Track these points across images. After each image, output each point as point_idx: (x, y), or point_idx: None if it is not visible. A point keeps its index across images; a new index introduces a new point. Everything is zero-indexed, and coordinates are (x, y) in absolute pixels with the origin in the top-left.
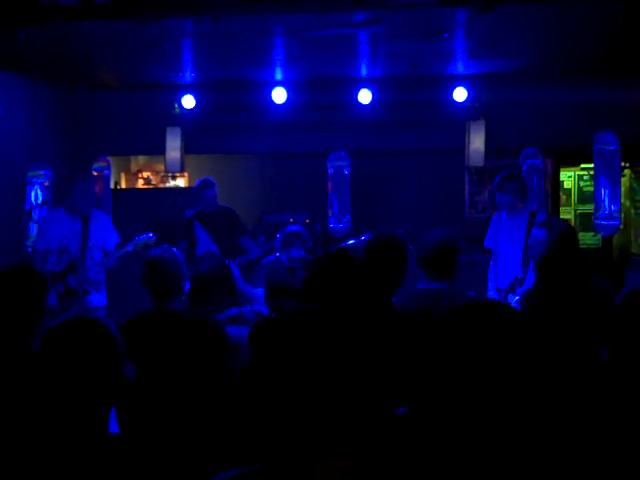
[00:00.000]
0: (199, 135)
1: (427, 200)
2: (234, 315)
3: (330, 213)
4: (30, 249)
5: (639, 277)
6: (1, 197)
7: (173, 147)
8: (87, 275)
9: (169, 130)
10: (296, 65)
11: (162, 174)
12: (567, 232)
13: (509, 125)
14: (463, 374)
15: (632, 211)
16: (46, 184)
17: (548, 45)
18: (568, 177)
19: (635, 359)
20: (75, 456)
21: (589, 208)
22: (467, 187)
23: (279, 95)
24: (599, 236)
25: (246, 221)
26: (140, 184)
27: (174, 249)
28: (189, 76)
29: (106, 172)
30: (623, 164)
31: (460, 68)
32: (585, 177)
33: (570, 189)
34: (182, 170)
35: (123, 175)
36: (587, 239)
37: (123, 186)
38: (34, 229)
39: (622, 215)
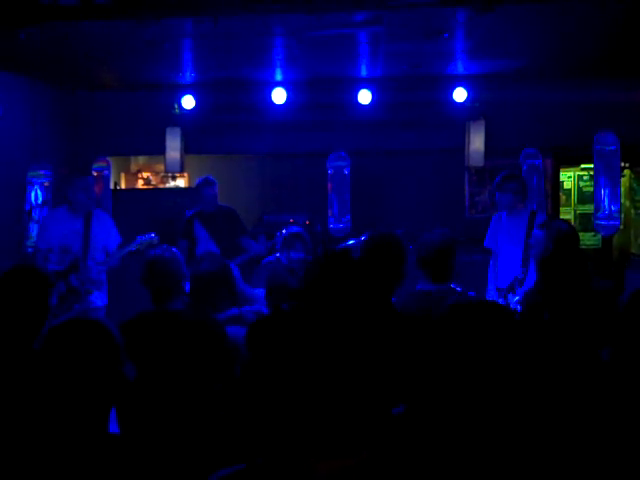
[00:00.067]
0: (199, 135)
1: (427, 200)
2: (234, 315)
3: (330, 213)
4: (30, 249)
5: (639, 277)
6: (1, 197)
7: (173, 147)
8: (89, 275)
9: (169, 130)
10: (296, 65)
11: (162, 174)
12: (568, 232)
13: (509, 125)
14: (460, 374)
15: (632, 211)
16: (46, 184)
17: (548, 45)
18: (568, 177)
19: (638, 359)
20: (75, 456)
21: (589, 208)
22: (467, 187)
23: (279, 95)
24: (599, 236)
25: (246, 221)
26: (140, 184)
27: (174, 249)
28: (189, 76)
29: (106, 172)
30: (623, 164)
31: (460, 68)
32: (585, 177)
33: (570, 189)
34: (182, 170)
35: (123, 175)
36: (587, 239)
37: (123, 186)
38: (34, 229)
39: (622, 215)
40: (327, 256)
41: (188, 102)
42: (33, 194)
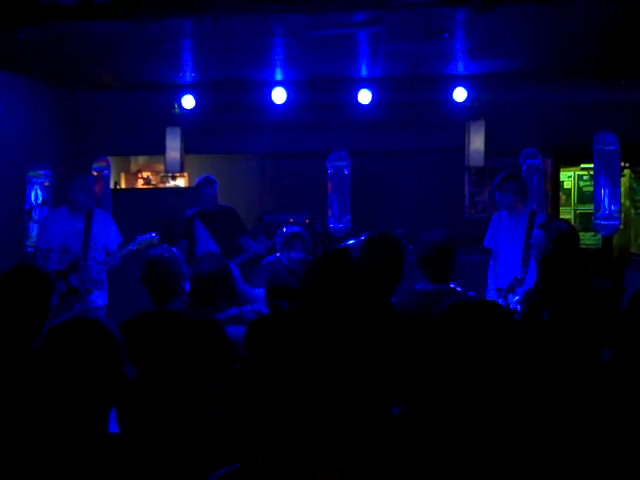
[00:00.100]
0: (199, 135)
1: (427, 200)
2: (234, 315)
3: (330, 213)
4: (30, 249)
5: (639, 277)
6: (1, 197)
7: (173, 147)
8: (89, 274)
9: (169, 130)
10: (296, 65)
11: (162, 174)
12: (568, 232)
13: (509, 125)
14: (458, 373)
15: (632, 211)
16: (46, 184)
17: (548, 45)
18: (568, 177)
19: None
20: (75, 456)
21: (589, 208)
22: (467, 187)
23: (279, 95)
24: (599, 236)
25: (246, 221)
26: (140, 184)
27: (174, 249)
28: (189, 76)
29: (106, 172)
30: (623, 164)
31: (460, 68)
32: (585, 177)
33: (570, 189)
34: (182, 170)
35: (123, 175)
36: (587, 239)
37: (123, 186)
38: (34, 229)
39: (622, 215)
40: (326, 256)
41: (188, 102)
42: (33, 194)
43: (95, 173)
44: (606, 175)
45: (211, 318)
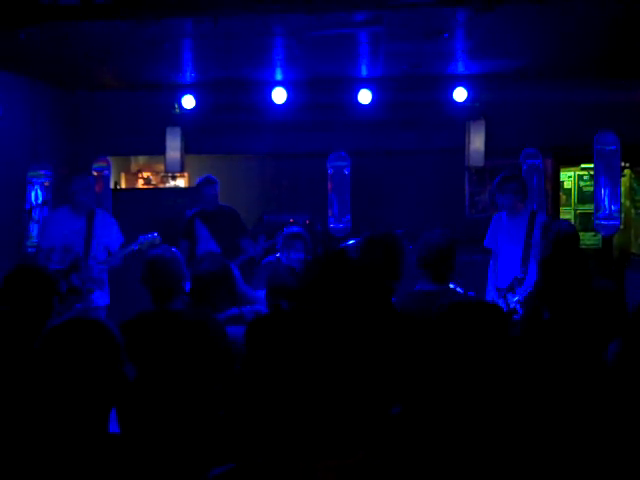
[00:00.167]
0: (199, 135)
1: (427, 200)
2: (234, 315)
3: (330, 213)
4: (30, 249)
5: (639, 277)
6: (1, 197)
7: (173, 147)
8: (90, 274)
9: (169, 130)
10: (296, 65)
11: (162, 174)
12: (569, 232)
13: (509, 125)
14: (456, 373)
15: (632, 211)
16: (46, 184)
17: (548, 45)
18: (568, 177)
19: None
20: (75, 456)
21: (589, 208)
22: (467, 187)
23: (279, 95)
24: (599, 236)
25: (246, 221)
26: (140, 184)
27: (174, 249)
28: (189, 76)
29: (106, 172)
30: (623, 164)
31: (460, 68)
32: (585, 177)
33: (570, 189)
34: (182, 170)
35: (123, 175)
36: (587, 239)
37: (123, 186)
38: (34, 229)
39: (622, 215)
40: (325, 256)
41: (188, 102)
42: (33, 194)
43: (95, 173)
44: (606, 175)
45: (211, 318)
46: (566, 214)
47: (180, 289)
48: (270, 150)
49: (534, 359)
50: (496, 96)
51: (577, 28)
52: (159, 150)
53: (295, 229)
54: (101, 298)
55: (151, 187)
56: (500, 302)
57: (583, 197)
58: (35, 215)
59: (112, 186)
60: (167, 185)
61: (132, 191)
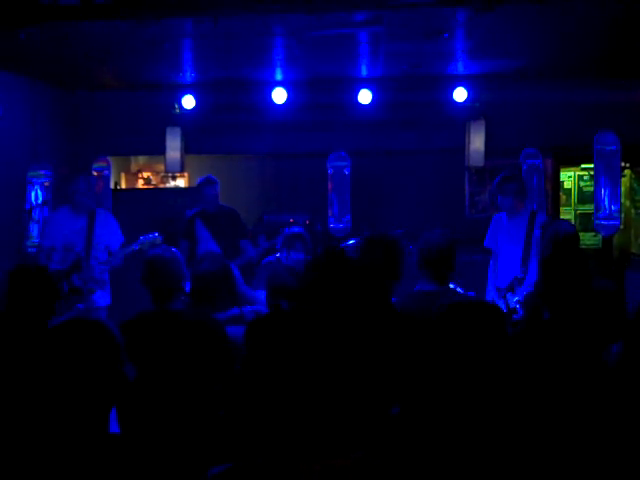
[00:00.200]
0: (199, 135)
1: (427, 200)
2: (235, 315)
3: (330, 213)
4: (30, 249)
5: (639, 277)
6: (1, 197)
7: (173, 147)
8: (91, 274)
9: (169, 130)
10: (296, 65)
11: (162, 174)
12: (569, 233)
13: (509, 125)
14: (454, 374)
15: (632, 211)
16: (46, 184)
17: (548, 45)
18: (568, 177)
19: None
20: (75, 456)
21: (589, 208)
22: (467, 187)
23: (279, 95)
24: (599, 236)
25: (246, 221)
26: (140, 184)
27: (174, 249)
28: (189, 76)
29: (106, 172)
30: (623, 164)
31: (460, 68)
32: (585, 177)
33: (570, 189)
34: (182, 170)
35: (123, 175)
36: (587, 239)
37: (123, 186)
38: (34, 229)
39: (622, 215)
40: (325, 256)
41: (188, 102)
42: (33, 194)
43: (95, 173)
44: (606, 175)
45: (211, 318)
46: (566, 214)
47: (180, 289)
48: (270, 150)
49: (534, 359)
50: (496, 96)
51: (577, 28)
52: (159, 150)
53: (295, 229)
54: (102, 298)
55: (151, 187)
56: (500, 302)
57: (583, 197)
58: (35, 215)
59: (112, 186)
60: (167, 185)
61: (132, 191)
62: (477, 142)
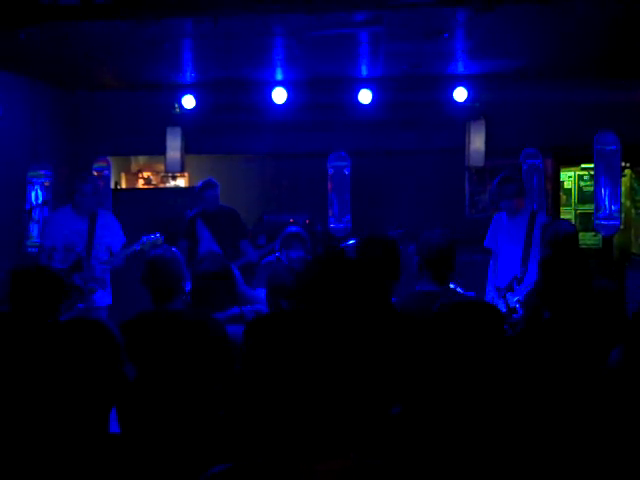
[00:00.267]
0: (199, 135)
1: (427, 200)
2: (235, 315)
3: (330, 213)
4: (30, 249)
5: (639, 277)
6: (1, 197)
7: (173, 147)
8: (92, 274)
9: (169, 130)
10: (296, 65)
11: (162, 174)
12: (569, 233)
13: (509, 125)
14: (453, 374)
15: (632, 211)
16: (46, 184)
17: (548, 45)
18: (568, 177)
19: None
20: (75, 456)
21: (589, 208)
22: (467, 187)
23: (279, 95)
24: (599, 236)
25: (246, 221)
26: (140, 184)
27: (174, 249)
28: (189, 76)
29: (106, 172)
30: (623, 164)
31: (460, 68)
32: (585, 177)
33: (570, 189)
34: (182, 170)
35: (123, 175)
36: (587, 239)
37: (123, 186)
38: (34, 229)
39: (622, 215)
40: (324, 256)
41: (188, 102)
42: (33, 194)
43: (95, 173)
44: (606, 175)
45: (211, 318)
46: (566, 214)
47: (180, 289)
48: (270, 150)
49: (534, 359)
50: (496, 96)
51: (577, 28)
52: (159, 150)
53: (293, 228)
54: (103, 298)
55: (151, 187)
56: (500, 302)
57: (583, 197)
58: (35, 215)
59: (112, 186)
60: (167, 185)
61: (132, 191)
62: (477, 142)
